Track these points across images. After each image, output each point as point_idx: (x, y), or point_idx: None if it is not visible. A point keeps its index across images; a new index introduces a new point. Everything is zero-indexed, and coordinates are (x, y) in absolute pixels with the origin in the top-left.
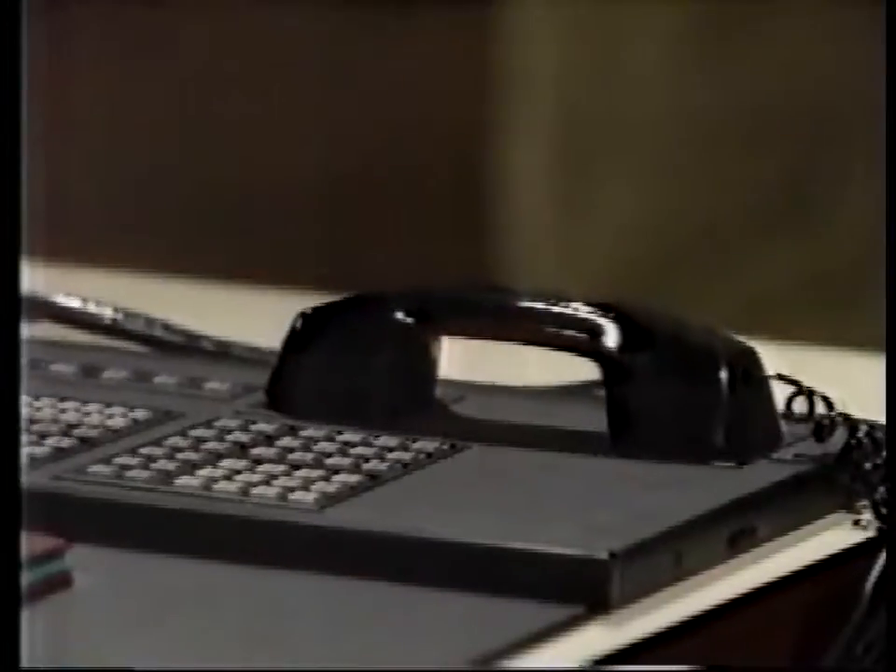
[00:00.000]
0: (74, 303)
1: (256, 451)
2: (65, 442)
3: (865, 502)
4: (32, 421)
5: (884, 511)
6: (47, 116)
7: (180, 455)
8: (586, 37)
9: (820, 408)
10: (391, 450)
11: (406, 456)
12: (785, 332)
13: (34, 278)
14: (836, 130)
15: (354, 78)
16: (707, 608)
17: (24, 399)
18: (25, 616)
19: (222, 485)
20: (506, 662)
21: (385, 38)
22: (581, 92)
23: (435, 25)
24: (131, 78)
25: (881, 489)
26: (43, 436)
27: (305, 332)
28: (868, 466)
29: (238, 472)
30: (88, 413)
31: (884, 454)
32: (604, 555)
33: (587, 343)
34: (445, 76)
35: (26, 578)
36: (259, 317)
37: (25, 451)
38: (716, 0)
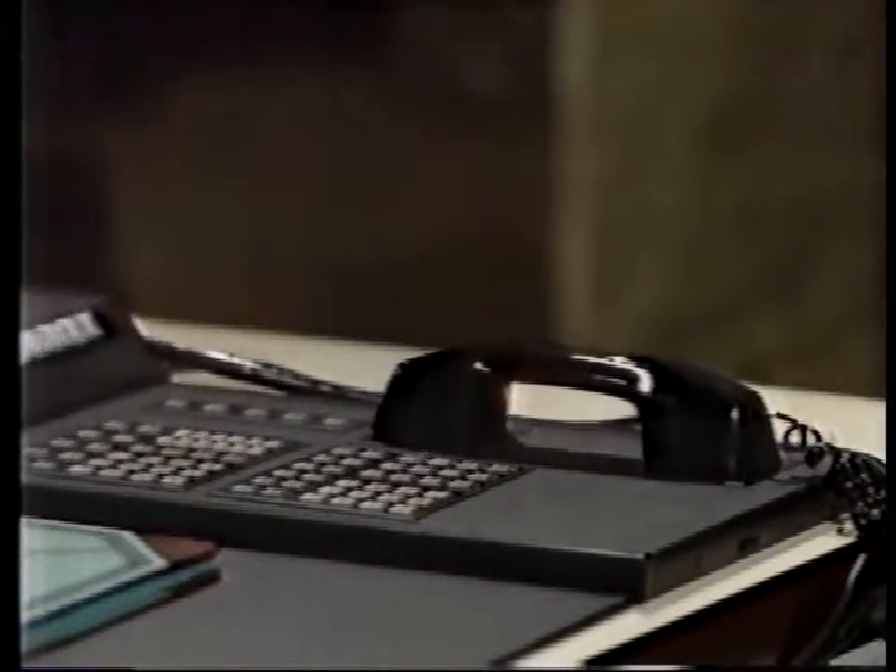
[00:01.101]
0: (222, 357)
1: (365, 473)
2: (216, 467)
3: (847, 515)
4: (191, 450)
5: (862, 522)
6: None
7: (305, 477)
8: (623, 142)
9: (811, 440)
10: (472, 472)
11: (483, 477)
12: (782, 380)
13: (189, 338)
14: (821, 221)
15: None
16: (721, 599)
17: (184, 432)
18: (176, 608)
19: (338, 500)
20: (563, 640)
21: (453, 148)
22: (618, 190)
23: (497, 137)
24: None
25: (860, 504)
26: (199, 461)
27: (404, 379)
28: (849, 485)
29: (351, 490)
30: (233, 444)
31: (862, 475)
32: (640, 556)
33: (626, 387)
34: (511, 177)
35: (181, 577)
36: (368, 367)
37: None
38: (721, 117)
